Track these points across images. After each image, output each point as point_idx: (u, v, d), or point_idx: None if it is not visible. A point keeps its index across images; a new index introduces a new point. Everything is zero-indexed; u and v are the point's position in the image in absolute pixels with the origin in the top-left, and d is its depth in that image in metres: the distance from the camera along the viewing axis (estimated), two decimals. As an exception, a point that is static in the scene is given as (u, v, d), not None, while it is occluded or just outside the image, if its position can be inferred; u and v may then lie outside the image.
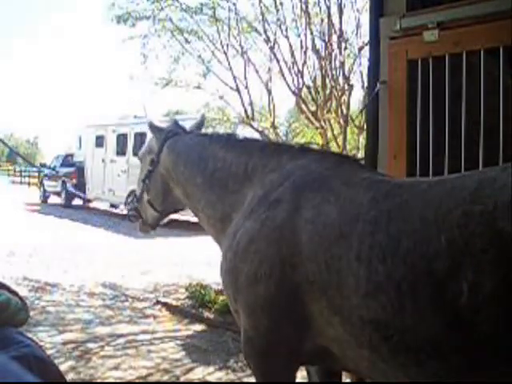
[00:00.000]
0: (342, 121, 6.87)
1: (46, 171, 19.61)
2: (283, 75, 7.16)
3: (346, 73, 7.02)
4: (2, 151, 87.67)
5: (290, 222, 1.80)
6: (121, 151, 16.03)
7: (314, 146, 7.47)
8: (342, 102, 6.91)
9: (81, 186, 17.38)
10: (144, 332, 4.98)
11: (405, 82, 2.98)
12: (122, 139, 16.03)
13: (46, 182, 19.53)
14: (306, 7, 7.02)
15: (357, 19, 7.16)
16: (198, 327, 5.29)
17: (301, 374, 2.35)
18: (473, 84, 2.67)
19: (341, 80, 6.94)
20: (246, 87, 7.57)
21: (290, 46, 7.17)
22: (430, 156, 2.82)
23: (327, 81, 7.01)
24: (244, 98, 7.52)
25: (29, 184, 30.23)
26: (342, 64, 6.94)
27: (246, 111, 7.48)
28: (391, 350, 1.52)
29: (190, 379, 3.91)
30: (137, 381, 3.83)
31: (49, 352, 3.87)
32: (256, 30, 7.72)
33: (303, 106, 7.19)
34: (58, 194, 18.62)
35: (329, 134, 7.09)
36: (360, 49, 7.11)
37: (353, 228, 1.63)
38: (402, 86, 3.00)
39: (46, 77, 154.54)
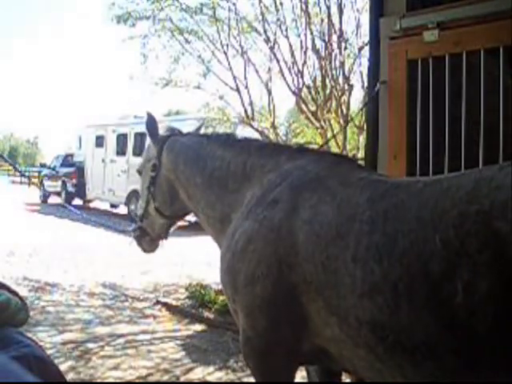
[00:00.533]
0: (342, 121, 6.86)
1: (46, 171, 19.62)
2: (283, 75, 7.16)
3: (346, 73, 7.01)
4: (1, 151, 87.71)
5: (287, 222, 1.80)
6: (121, 151, 16.03)
7: (314, 146, 7.48)
8: (342, 102, 6.91)
9: (81, 186, 17.38)
10: (144, 332, 4.98)
11: (405, 82, 2.99)
12: (121, 139, 16.03)
13: (46, 182, 19.52)
14: (306, 7, 7.02)
15: (357, 19, 7.17)
16: (198, 327, 5.29)
17: (300, 374, 2.36)
18: (473, 84, 2.67)
19: (341, 80, 6.94)
20: (246, 87, 7.57)
21: (290, 46, 7.17)
22: (430, 156, 2.82)
23: (327, 81, 7.01)
24: (244, 98, 7.52)
25: (29, 184, 30.22)
26: (342, 64, 6.94)
27: (246, 111, 7.48)
28: (387, 351, 1.52)
29: (189, 379, 3.91)
30: (137, 381, 3.83)
31: (49, 352, 3.87)
32: (256, 30, 7.71)
33: (303, 106, 7.19)
34: (58, 194, 18.61)
35: (329, 134, 7.09)
36: (360, 49, 7.11)
37: (349, 228, 1.63)
38: (402, 86, 3.00)
39: (46, 77, 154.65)
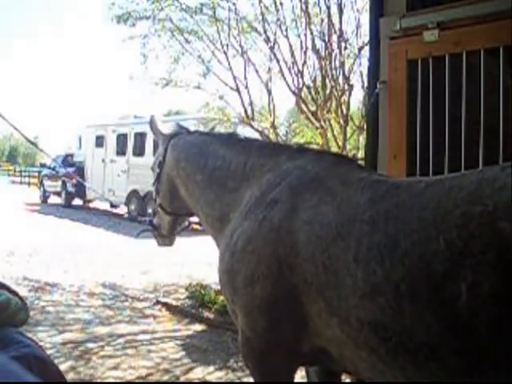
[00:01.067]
0: (341, 121, 6.86)
1: (46, 171, 19.61)
2: (283, 75, 7.16)
3: (346, 73, 7.01)
4: (1, 151, 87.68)
5: (287, 222, 1.80)
6: (121, 151, 16.04)
7: (314, 146, 7.48)
8: (342, 101, 6.90)
9: (81, 186, 17.37)
10: (144, 332, 4.98)
11: (405, 82, 2.99)
12: (122, 139, 16.04)
13: (46, 182, 19.52)
14: (306, 7, 7.02)
15: (357, 19, 7.16)
16: (198, 327, 5.29)
17: (300, 374, 2.36)
18: (473, 84, 2.67)
19: (341, 80, 6.93)
20: (246, 87, 7.56)
21: (290, 46, 7.16)
22: (430, 156, 2.82)
23: (327, 81, 7.00)
24: (244, 98, 7.52)
25: (29, 184, 30.23)
26: (342, 64, 6.93)
27: (245, 111, 7.47)
28: (389, 352, 1.51)
29: (189, 379, 3.91)
30: (137, 381, 3.83)
31: (48, 352, 3.87)
32: (256, 30, 7.71)
33: (303, 106, 7.19)
34: (58, 194, 18.62)
35: (329, 134, 7.09)
36: (360, 49, 7.11)
37: (350, 228, 1.62)
38: (402, 86, 3.00)
39: (46, 77, 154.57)
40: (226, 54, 7.70)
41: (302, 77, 7.11)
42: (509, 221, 1.30)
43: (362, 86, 7.23)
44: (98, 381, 3.77)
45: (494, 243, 1.32)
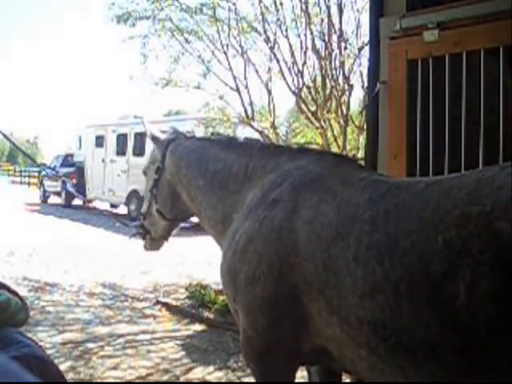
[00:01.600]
0: (341, 121, 6.86)
1: (46, 171, 19.61)
2: (283, 75, 7.15)
3: (346, 73, 7.01)
4: (1, 151, 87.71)
5: (287, 222, 1.81)
6: (121, 151, 16.03)
7: (314, 146, 7.48)
8: (342, 101, 6.90)
9: (81, 186, 17.38)
10: (144, 332, 4.98)
11: (405, 82, 2.99)
12: (122, 139, 16.04)
13: (46, 182, 19.53)
14: (306, 7, 7.01)
15: (357, 19, 7.15)
16: (198, 327, 5.29)
17: (300, 374, 2.36)
18: (473, 84, 2.67)
19: (341, 80, 6.93)
20: (246, 87, 7.56)
21: (290, 46, 7.16)
22: (430, 156, 2.82)
23: (327, 81, 7.00)
24: (244, 98, 7.52)
25: (29, 184, 30.23)
26: (342, 64, 6.93)
27: (246, 111, 7.47)
28: (389, 351, 1.52)
29: (189, 379, 3.91)
30: (136, 381, 3.83)
31: (48, 352, 3.87)
32: (256, 30, 7.70)
33: (303, 106, 7.19)
34: (58, 194, 18.62)
35: (329, 134, 7.09)
36: (360, 49, 7.11)
37: (350, 228, 1.63)
38: (402, 86, 3.00)
39: (46, 77, 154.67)
40: (226, 53, 7.70)
41: (302, 77, 7.10)
42: (507, 221, 1.31)
43: (362, 86, 7.23)
44: (98, 381, 3.77)
45: (493, 243, 1.32)
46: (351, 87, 7.02)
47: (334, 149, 6.69)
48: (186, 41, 8.15)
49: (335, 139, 7.01)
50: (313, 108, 7.21)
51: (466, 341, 1.38)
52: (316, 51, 7.02)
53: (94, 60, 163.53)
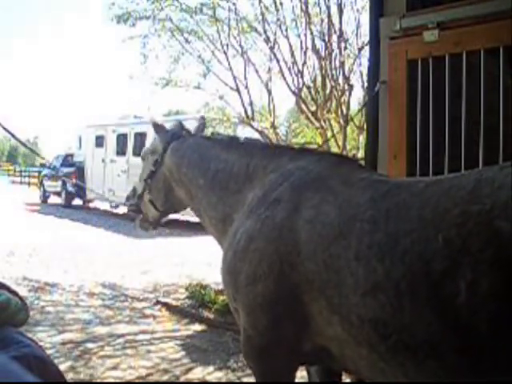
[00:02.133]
0: (341, 121, 6.86)
1: (46, 171, 19.61)
2: (283, 75, 7.15)
3: (346, 73, 7.01)
4: (2, 151, 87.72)
5: (289, 221, 1.81)
6: (121, 151, 16.03)
7: (314, 146, 7.48)
8: (342, 101, 6.91)
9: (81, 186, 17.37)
10: (143, 332, 4.98)
11: (405, 82, 2.99)
12: (122, 139, 16.03)
13: (46, 182, 19.52)
14: (306, 7, 7.01)
15: (357, 19, 7.16)
16: (198, 327, 5.29)
17: (300, 374, 2.36)
18: (473, 84, 2.68)
19: (341, 80, 6.93)
20: (246, 87, 7.56)
21: (290, 46, 7.16)
22: (430, 156, 2.82)
23: (327, 81, 7.00)
24: (244, 98, 7.52)
25: (29, 184, 30.23)
26: (342, 64, 6.93)
27: (245, 111, 7.47)
28: (390, 349, 1.52)
29: (189, 379, 3.91)
30: (136, 381, 3.83)
31: (48, 352, 3.87)
32: (256, 30, 7.70)
33: (303, 106, 7.19)
34: (58, 194, 18.61)
35: (329, 134, 7.09)
36: (360, 49, 7.11)
37: (351, 227, 1.64)
38: (401, 86, 3.00)
39: (46, 76, 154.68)
40: (226, 53, 7.70)
41: (302, 77, 7.11)
42: (506, 219, 1.32)
43: (362, 86, 7.23)
44: (98, 381, 3.77)
45: (492, 241, 1.33)
46: (351, 87, 7.02)
47: (334, 149, 6.69)
48: (186, 41, 8.15)
49: (335, 139, 7.01)
50: (313, 108, 7.21)
51: (467, 339, 1.39)
52: (316, 51, 7.02)
53: (93, 60, 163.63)
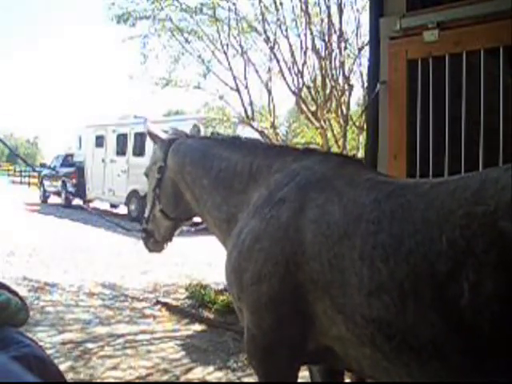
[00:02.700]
0: (341, 121, 6.87)
1: (46, 171, 19.61)
2: (283, 75, 7.16)
3: (346, 73, 7.01)
4: (1, 151, 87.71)
5: (294, 221, 1.81)
6: (121, 151, 16.03)
7: (314, 146, 7.48)
8: (342, 101, 6.91)
9: (81, 186, 17.38)
10: (143, 332, 4.98)
11: (405, 82, 2.99)
12: (122, 139, 16.03)
13: (46, 182, 19.52)
14: (306, 7, 7.01)
15: (357, 19, 7.15)
16: (198, 327, 5.29)
17: (301, 375, 2.35)
18: (473, 84, 2.68)
19: (341, 80, 6.93)
20: (246, 87, 7.56)
21: (290, 46, 7.16)
22: (430, 156, 2.82)
23: (327, 81, 7.00)
24: (244, 98, 7.52)
25: (29, 184, 30.23)
26: (342, 64, 6.93)
27: (245, 111, 7.47)
28: (393, 349, 1.53)
29: (189, 379, 3.91)
30: (136, 381, 3.83)
31: (48, 352, 3.87)
32: (256, 30, 7.70)
33: (303, 106, 7.19)
34: (58, 194, 18.61)
35: (329, 134, 7.09)
36: (360, 49, 7.11)
37: (356, 228, 1.64)
38: (401, 86, 3.01)
39: (45, 76, 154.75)
40: (226, 53, 7.70)
41: (302, 77, 7.11)
42: (510, 220, 1.31)
43: (362, 86, 7.23)
44: (98, 381, 3.77)
45: (496, 242, 1.33)
46: (351, 87, 7.02)
47: (334, 149, 6.69)
48: (186, 41, 8.15)
49: (335, 139, 7.02)
50: (313, 108, 7.21)
51: (471, 340, 1.39)
52: (316, 51, 7.02)
53: (93, 60, 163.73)
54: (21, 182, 33.49)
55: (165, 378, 3.90)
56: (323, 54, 6.99)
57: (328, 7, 6.91)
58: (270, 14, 7.48)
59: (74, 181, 17.79)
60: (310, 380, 2.26)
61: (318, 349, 1.80)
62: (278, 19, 7.29)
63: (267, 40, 7.38)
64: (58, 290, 6.44)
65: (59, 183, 18.34)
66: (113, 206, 17.28)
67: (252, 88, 7.80)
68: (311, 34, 7.04)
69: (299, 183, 1.92)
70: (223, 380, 3.91)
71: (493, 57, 2.65)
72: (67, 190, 17.82)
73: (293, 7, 7.32)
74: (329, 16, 6.91)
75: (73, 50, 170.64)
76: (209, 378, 3.94)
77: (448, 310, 1.40)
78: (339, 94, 6.88)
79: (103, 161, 16.74)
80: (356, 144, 7.90)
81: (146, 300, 6.25)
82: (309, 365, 2.18)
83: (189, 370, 4.07)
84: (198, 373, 4.01)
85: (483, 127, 2.63)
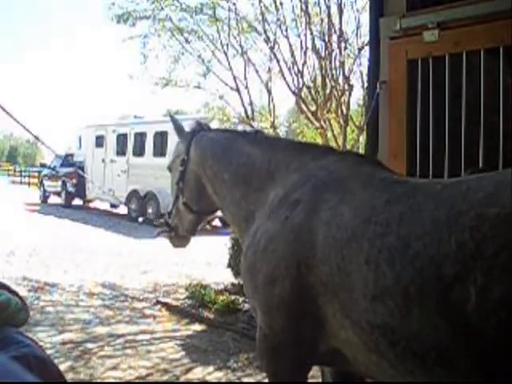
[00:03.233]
0: (341, 121, 6.87)
1: (46, 171, 19.60)
2: (283, 75, 7.17)
3: (346, 73, 7.02)
4: (1, 151, 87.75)
5: (307, 222, 1.79)
6: (121, 151, 16.02)
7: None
8: (342, 101, 6.92)
9: (81, 186, 17.36)
10: (143, 332, 4.98)
11: (405, 82, 2.99)
12: (122, 139, 16.02)
13: (46, 182, 19.51)
14: (306, 7, 7.03)
15: (357, 19, 7.18)
16: (198, 327, 5.28)
17: (309, 375, 2.35)
18: (473, 84, 2.68)
19: (341, 80, 6.94)
20: (246, 87, 7.58)
21: (290, 46, 7.18)
22: (430, 156, 2.82)
23: (327, 81, 7.01)
24: (244, 98, 7.54)
25: (29, 184, 30.22)
26: (342, 64, 6.95)
27: (246, 111, 7.49)
28: (398, 356, 1.50)
29: (189, 379, 3.91)
30: (136, 381, 3.82)
31: (48, 352, 3.86)
32: (256, 30, 7.72)
33: (303, 106, 7.19)
34: (58, 194, 18.61)
35: (329, 134, 7.10)
36: (360, 49, 7.12)
37: (364, 230, 1.61)
38: (401, 86, 3.01)
39: (45, 77, 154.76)
40: (226, 53, 7.72)
41: (302, 77, 7.12)
42: None
43: (362, 86, 7.24)
44: (98, 381, 3.76)
45: (507, 246, 1.30)
46: (351, 87, 7.03)
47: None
48: (186, 41, 8.16)
49: (335, 139, 7.02)
50: (313, 108, 7.22)
51: (477, 346, 1.35)
52: (316, 51, 7.02)
53: (93, 60, 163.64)
54: (21, 182, 33.48)
55: (165, 378, 3.90)
56: (323, 54, 7.00)
57: (328, 7, 6.92)
58: (270, 14, 7.50)
59: (74, 181, 17.77)
60: (320, 380, 2.26)
61: (328, 351, 1.79)
62: (278, 19, 7.31)
63: (267, 40, 7.39)
64: (57, 290, 6.43)
65: (59, 183, 18.33)
66: (113, 205, 17.28)
67: (252, 88, 7.85)
68: (311, 33, 7.06)
69: (314, 184, 1.89)
70: (223, 380, 3.91)
71: (493, 57, 2.65)
72: (67, 190, 17.82)
73: (293, 7, 7.34)
74: (329, 16, 6.92)
75: (73, 50, 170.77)
76: (209, 378, 3.93)
77: (454, 314, 1.37)
78: (339, 94, 6.89)
79: (103, 161, 16.73)
80: (356, 144, 7.90)
81: (146, 300, 6.24)
82: (321, 366, 2.18)
83: (189, 369, 4.07)
84: (197, 373, 4.01)
85: (483, 127, 2.63)
